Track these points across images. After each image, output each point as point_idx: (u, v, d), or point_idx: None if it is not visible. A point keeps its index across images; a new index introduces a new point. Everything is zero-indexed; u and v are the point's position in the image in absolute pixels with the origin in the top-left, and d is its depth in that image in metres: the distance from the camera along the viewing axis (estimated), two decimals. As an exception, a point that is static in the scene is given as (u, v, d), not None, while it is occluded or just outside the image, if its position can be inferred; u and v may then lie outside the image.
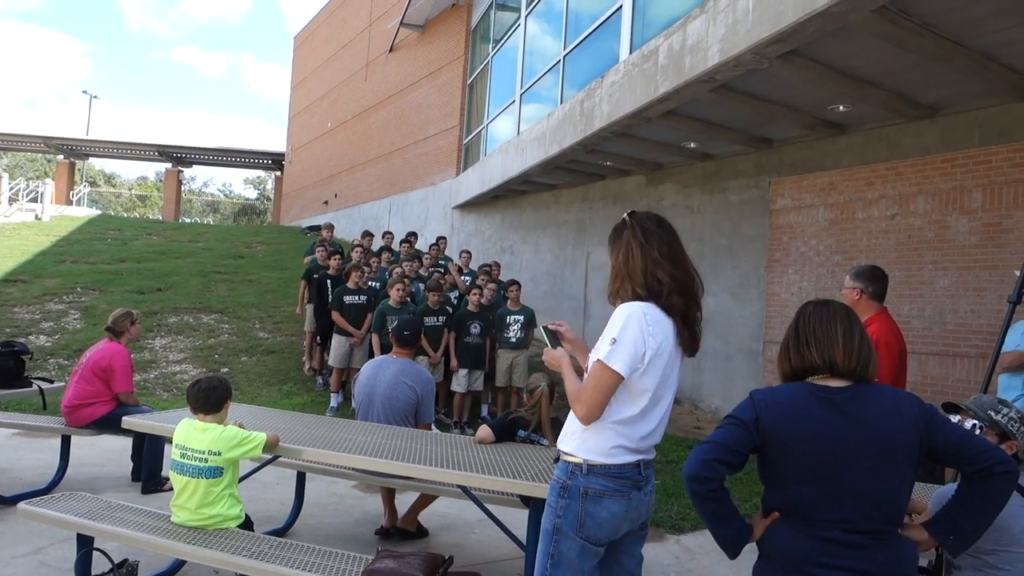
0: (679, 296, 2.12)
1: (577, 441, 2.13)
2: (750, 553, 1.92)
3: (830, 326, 1.89)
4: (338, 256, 8.69)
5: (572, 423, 2.17)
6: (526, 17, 11.56)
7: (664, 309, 2.10)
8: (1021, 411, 2.34)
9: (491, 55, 13.34)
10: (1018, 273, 4.37)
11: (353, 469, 4.18)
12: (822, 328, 1.90)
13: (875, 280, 3.82)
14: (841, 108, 6.66)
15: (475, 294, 7.92)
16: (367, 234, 10.70)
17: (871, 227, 7.02)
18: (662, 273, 2.12)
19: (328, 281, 8.43)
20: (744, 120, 7.36)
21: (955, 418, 2.36)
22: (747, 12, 5.12)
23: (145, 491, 4.90)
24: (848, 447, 1.77)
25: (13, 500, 4.16)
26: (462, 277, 9.58)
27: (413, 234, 10.74)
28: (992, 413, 2.32)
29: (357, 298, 7.94)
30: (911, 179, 6.68)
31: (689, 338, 2.16)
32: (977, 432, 2.25)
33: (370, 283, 8.34)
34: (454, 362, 7.72)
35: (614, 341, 2.03)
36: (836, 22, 4.58)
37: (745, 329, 8.35)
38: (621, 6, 7.94)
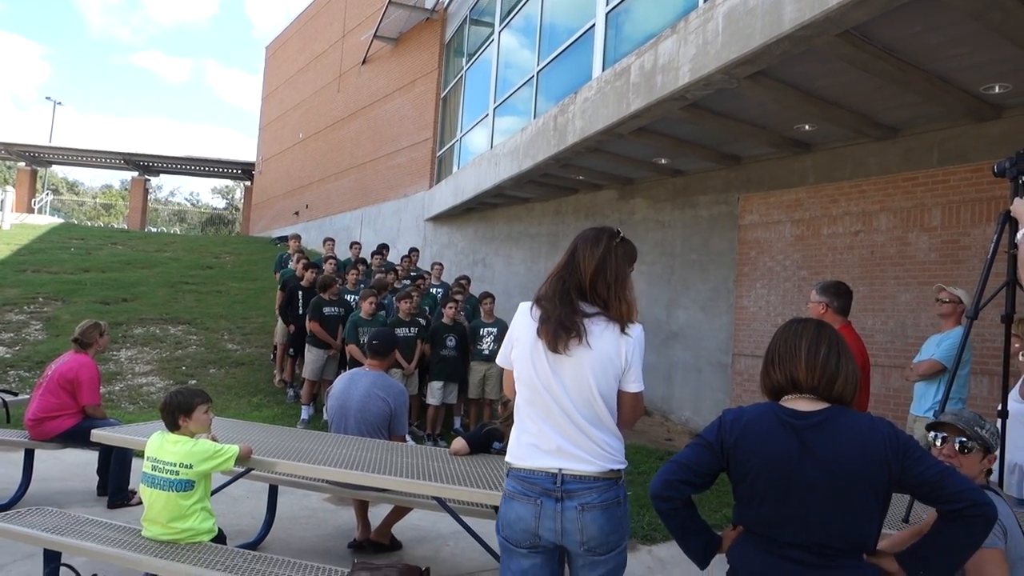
0: (546, 287, 2.18)
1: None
2: (723, 561, 1.97)
3: (794, 343, 1.88)
4: (314, 269, 8.64)
5: None
6: (500, 32, 11.67)
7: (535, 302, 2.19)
8: (995, 427, 2.32)
9: (465, 69, 13.43)
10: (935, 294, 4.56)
11: (326, 481, 4.16)
12: (786, 346, 1.89)
13: (840, 295, 3.94)
14: (807, 127, 6.86)
15: (450, 307, 7.91)
16: (328, 240, 10.64)
17: (836, 243, 7.21)
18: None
19: (300, 292, 8.38)
20: (714, 137, 7.53)
21: (939, 435, 2.26)
22: (717, 34, 5.27)
23: (111, 505, 4.80)
24: (803, 477, 1.75)
25: (-26, 516, 4.05)
26: (434, 289, 9.59)
27: (384, 246, 10.71)
28: (979, 429, 2.24)
29: (335, 310, 7.90)
30: (874, 197, 6.89)
31: (547, 330, 2.09)
32: (967, 452, 2.19)
33: (347, 296, 8.29)
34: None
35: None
36: (802, 45, 4.74)
37: (715, 342, 8.49)
38: (595, 24, 8.08)
